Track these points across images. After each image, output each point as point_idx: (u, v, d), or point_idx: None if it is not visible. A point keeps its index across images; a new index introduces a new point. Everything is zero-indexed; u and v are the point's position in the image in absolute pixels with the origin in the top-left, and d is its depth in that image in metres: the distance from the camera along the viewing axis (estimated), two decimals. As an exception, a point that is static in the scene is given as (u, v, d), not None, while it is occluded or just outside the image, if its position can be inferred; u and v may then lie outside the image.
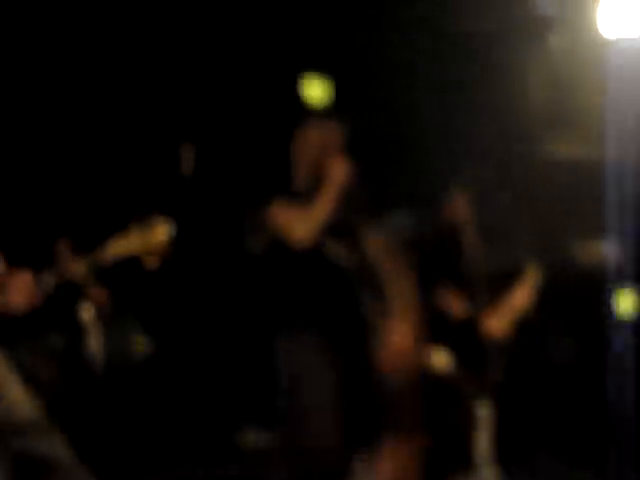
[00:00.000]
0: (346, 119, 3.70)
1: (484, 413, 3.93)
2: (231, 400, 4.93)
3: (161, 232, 2.70)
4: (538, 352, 5.83)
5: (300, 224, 3.32)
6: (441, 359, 1.89)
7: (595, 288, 5.86)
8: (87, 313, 3.94)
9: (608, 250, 6.01)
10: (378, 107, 5.88)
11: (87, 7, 4.97)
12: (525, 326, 5.05)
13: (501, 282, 4.34)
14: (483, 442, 3.60)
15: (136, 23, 5.14)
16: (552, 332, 5.93)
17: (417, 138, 5.87)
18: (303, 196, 3.42)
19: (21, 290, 2.53)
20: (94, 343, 4.32)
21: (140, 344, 4.50)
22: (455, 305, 4.00)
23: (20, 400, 2.57)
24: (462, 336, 3.71)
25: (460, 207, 4.20)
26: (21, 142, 4.32)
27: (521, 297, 4.14)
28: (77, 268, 2.64)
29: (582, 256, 6.06)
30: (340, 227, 3.45)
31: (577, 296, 5.88)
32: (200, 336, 5.09)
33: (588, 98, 5.74)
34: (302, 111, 5.69)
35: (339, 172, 3.37)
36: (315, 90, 5.94)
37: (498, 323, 3.97)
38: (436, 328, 3.92)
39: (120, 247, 2.63)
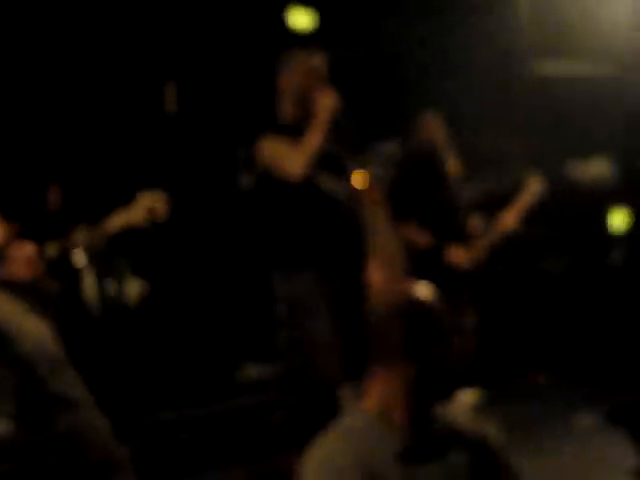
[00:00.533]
0: (331, 48, 3.62)
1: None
2: (230, 336, 4.94)
3: (159, 205, 2.73)
4: (536, 266, 5.87)
5: (291, 157, 3.25)
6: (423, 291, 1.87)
7: (590, 206, 5.86)
8: (80, 258, 3.95)
9: (603, 168, 5.99)
10: (364, 35, 5.78)
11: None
12: (520, 243, 5.08)
13: (497, 206, 4.34)
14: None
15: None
16: (548, 247, 5.94)
17: (405, 66, 5.79)
18: (292, 128, 3.34)
19: (26, 261, 2.56)
20: (89, 286, 4.33)
21: (135, 285, 4.50)
22: (419, 237, 4.03)
23: (44, 337, 2.62)
24: (429, 266, 3.78)
25: (433, 129, 4.14)
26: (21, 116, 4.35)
27: (511, 217, 4.15)
28: (79, 239, 2.67)
29: (578, 174, 6.03)
30: (329, 159, 3.39)
31: (573, 213, 5.88)
32: (196, 274, 5.08)
33: (584, 13, 5.64)
34: (287, 41, 5.60)
35: (327, 103, 3.29)
36: (300, 19, 5.83)
37: (463, 253, 4.04)
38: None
39: (121, 220, 2.67)
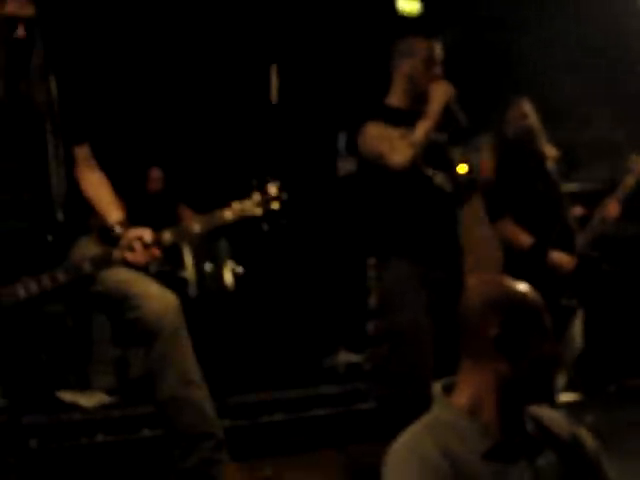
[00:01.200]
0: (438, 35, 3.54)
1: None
2: (323, 323, 4.96)
3: (275, 198, 2.74)
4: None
5: (399, 147, 3.17)
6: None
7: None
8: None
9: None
10: (469, 21, 5.69)
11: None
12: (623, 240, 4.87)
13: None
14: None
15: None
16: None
17: (511, 53, 5.67)
18: (401, 115, 3.27)
19: (144, 248, 2.60)
20: (188, 266, 4.41)
21: (232, 268, 4.55)
22: (519, 236, 3.87)
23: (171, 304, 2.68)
24: (530, 269, 3.64)
25: (527, 115, 3.99)
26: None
27: (615, 205, 3.97)
28: (195, 228, 2.70)
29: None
30: (436, 149, 3.33)
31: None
32: (294, 261, 5.11)
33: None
34: (394, 26, 5.57)
35: (442, 93, 3.22)
36: (409, 5, 5.79)
37: (567, 258, 3.84)
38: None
39: (237, 212, 2.69)
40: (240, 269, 4.50)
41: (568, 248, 3.86)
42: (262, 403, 4.30)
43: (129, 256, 2.60)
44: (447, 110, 3.26)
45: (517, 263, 3.80)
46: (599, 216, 3.92)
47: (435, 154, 3.32)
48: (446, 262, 3.29)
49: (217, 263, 4.47)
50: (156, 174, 4.87)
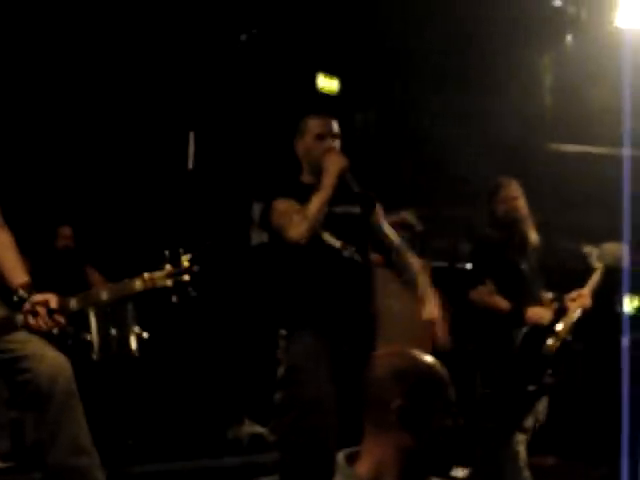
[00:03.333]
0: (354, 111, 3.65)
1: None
2: (228, 393, 4.89)
3: (186, 271, 2.77)
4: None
5: (295, 222, 3.24)
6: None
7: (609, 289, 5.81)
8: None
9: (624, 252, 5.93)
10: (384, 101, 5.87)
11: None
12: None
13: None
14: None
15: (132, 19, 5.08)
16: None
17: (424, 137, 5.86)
18: (309, 191, 3.32)
19: (48, 314, 2.59)
20: (93, 329, 4.32)
21: (138, 333, 4.47)
22: (499, 301, 4.02)
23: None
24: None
25: (515, 196, 4.15)
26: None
27: (587, 301, 4.17)
28: (103, 297, 2.70)
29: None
30: (349, 222, 3.39)
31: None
32: (200, 329, 5.05)
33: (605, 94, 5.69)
34: (311, 103, 5.70)
35: (333, 164, 3.28)
36: (327, 84, 5.95)
37: (542, 311, 4.00)
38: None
39: (148, 282, 2.70)
40: (145, 334, 4.44)
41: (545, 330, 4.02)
42: (163, 473, 4.20)
43: (32, 321, 2.58)
44: (347, 182, 3.31)
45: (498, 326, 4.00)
46: (577, 306, 4.09)
47: (348, 226, 3.37)
48: (354, 335, 3.29)
49: (122, 327, 4.40)
50: (66, 232, 4.80)
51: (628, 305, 5.68)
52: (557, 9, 5.45)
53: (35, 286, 2.74)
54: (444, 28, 5.88)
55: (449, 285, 5.65)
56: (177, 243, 2.88)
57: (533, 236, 4.19)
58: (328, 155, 3.34)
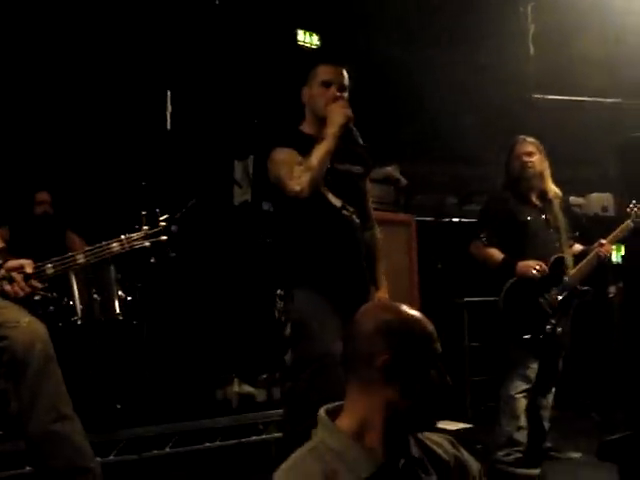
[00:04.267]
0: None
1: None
2: (215, 353, 4.87)
3: (164, 231, 2.73)
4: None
5: (296, 173, 3.10)
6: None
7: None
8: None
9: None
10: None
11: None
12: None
13: None
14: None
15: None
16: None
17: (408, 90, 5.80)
18: (315, 142, 3.18)
19: (24, 280, 2.56)
20: (75, 294, 4.27)
21: (121, 296, 4.42)
22: (491, 254, 4.03)
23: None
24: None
25: (530, 151, 4.13)
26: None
27: (607, 249, 4.19)
28: (79, 261, 2.66)
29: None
30: (349, 181, 3.28)
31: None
32: (185, 291, 5.01)
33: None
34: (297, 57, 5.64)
35: (338, 115, 3.16)
36: (309, 37, 5.89)
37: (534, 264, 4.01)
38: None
39: (125, 244, 2.67)
40: (129, 297, 4.39)
41: (558, 280, 4.03)
42: (152, 436, 4.17)
43: (7, 287, 2.55)
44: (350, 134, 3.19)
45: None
46: (594, 254, 4.09)
47: (349, 186, 3.26)
48: (351, 294, 3.15)
49: (105, 291, 4.34)
50: (43, 197, 4.73)
51: (615, 254, 5.70)
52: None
53: (15, 253, 2.71)
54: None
55: (435, 239, 5.65)
56: (158, 204, 2.83)
57: (552, 190, 4.18)
58: (333, 105, 3.20)
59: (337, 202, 3.21)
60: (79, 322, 4.24)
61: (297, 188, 3.09)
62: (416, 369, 1.79)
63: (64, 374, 2.71)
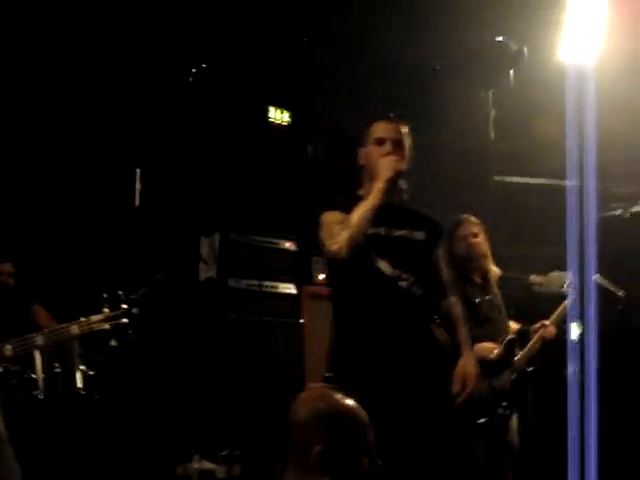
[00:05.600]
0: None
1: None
2: (176, 429, 4.86)
3: (125, 313, 2.78)
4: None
5: (336, 233, 2.93)
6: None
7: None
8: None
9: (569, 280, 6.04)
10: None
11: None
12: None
13: None
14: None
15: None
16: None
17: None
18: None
19: None
20: (37, 367, 4.28)
21: (84, 370, 4.44)
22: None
23: None
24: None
25: (475, 232, 4.20)
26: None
27: (550, 332, 4.24)
28: (38, 342, 2.71)
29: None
30: (398, 244, 3.07)
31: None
32: (150, 364, 5.01)
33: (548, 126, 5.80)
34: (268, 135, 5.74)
35: (385, 168, 3.00)
36: (280, 115, 6.02)
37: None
38: None
39: (85, 327, 2.71)
40: (92, 372, 4.41)
41: (508, 362, 4.11)
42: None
43: None
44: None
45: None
46: (538, 336, 4.15)
47: (408, 253, 3.05)
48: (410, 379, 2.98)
49: (68, 365, 4.36)
50: (5, 268, 4.76)
51: (574, 332, 5.77)
52: (500, 44, 5.55)
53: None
54: (391, 65, 5.97)
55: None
56: (124, 280, 2.89)
57: (493, 270, 4.27)
58: (382, 159, 3.03)
59: (392, 272, 2.98)
60: (41, 396, 4.24)
61: (334, 247, 2.91)
62: (348, 459, 1.85)
63: (25, 448, 2.72)
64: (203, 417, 4.86)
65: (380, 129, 3.19)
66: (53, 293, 4.64)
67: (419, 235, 3.14)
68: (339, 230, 2.92)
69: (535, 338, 4.20)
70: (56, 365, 4.31)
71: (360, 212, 2.93)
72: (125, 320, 2.78)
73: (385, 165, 3.03)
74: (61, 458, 4.24)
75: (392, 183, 3.03)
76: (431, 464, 2.79)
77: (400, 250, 3.03)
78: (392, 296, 2.96)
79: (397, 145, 3.15)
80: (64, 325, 2.72)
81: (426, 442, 2.87)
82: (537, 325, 4.25)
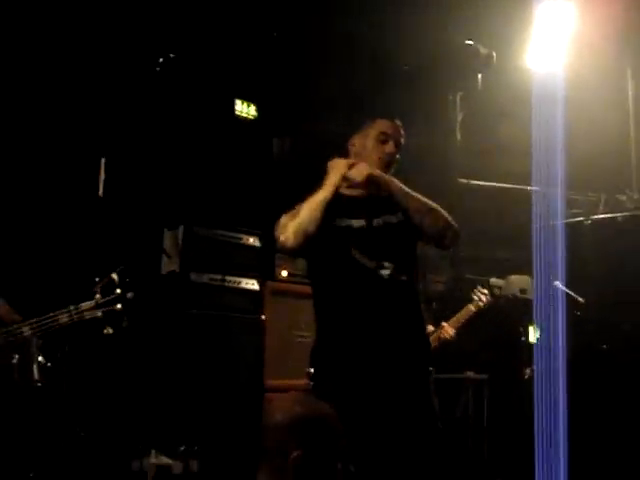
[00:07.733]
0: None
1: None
2: (132, 424, 4.81)
3: (119, 298, 2.68)
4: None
5: (282, 224, 2.96)
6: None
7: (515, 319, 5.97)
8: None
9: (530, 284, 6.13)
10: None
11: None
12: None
13: None
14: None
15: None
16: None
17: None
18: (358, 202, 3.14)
19: None
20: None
21: (41, 362, 4.36)
22: None
23: None
24: None
25: None
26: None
27: (453, 328, 4.29)
28: (25, 332, 2.62)
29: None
30: (377, 233, 3.07)
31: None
32: (102, 359, 4.95)
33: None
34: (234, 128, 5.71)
35: (336, 166, 3.08)
36: (246, 108, 5.98)
37: None
38: None
39: (75, 315, 2.62)
40: (49, 363, 4.33)
41: None
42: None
43: None
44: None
45: None
46: (436, 336, 4.22)
47: (386, 240, 3.03)
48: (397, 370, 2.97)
49: (25, 355, 4.28)
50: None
51: (533, 335, 5.85)
52: (470, 47, 5.59)
53: None
54: (360, 62, 5.98)
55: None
56: (87, 271, 2.80)
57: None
58: (361, 164, 3.04)
59: (370, 262, 2.96)
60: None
61: (281, 238, 2.93)
62: (324, 464, 1.85)
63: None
64: (161, 411, 4.82)
65: (386, 125, 3.26)
66: (13, 285, 4.56)
67: (396, 217, 3.14)
68: (287, 221, 2.96)
69: (432, 338, 4.26)
70: (13, 355, 4.22)
71: (309, 203, 2.97)
72: (119, 306, 2.65)
73: (359, 168, 3.07)
74: (13, 450, 4.16)
75: (369, 185, 3.08)
76: (414, 463, 2.80)
77: (379, 239, 3.03)
78: (374, 287, 2.96)
79: (397, 146, 3.27)
80: (52, 314, 2.61)
81: (409, 443, 2.89)
82: (439, 327, 4.34)
